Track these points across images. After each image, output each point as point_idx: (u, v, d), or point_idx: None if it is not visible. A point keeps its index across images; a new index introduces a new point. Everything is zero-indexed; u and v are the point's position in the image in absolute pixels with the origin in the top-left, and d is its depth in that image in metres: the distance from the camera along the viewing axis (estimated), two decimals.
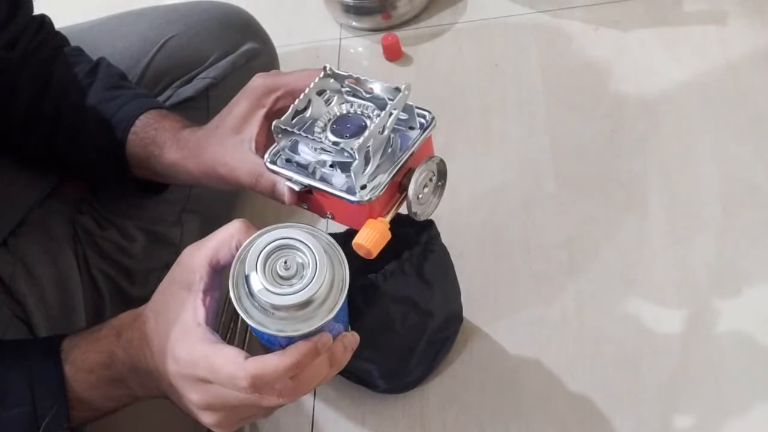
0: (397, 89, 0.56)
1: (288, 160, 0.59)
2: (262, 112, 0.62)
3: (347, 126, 0.57)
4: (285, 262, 0.49)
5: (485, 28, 1.09)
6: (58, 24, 0.80)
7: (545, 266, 0.84)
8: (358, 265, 0.73)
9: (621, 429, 0.72)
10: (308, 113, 0.59)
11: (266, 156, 0.59)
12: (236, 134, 0.62)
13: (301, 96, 0.58)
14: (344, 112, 0.58)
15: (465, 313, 0.79)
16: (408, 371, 0.74)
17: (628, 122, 0.93)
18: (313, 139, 0.56)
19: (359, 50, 1.12)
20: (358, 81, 0.59)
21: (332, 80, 0.59)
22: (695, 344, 0.75)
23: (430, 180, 0.59)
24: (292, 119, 0.58)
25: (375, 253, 0.56)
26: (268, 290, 0.48)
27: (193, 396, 0.52)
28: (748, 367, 0.73)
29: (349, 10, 1.12)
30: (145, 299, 0.79)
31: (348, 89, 0.60)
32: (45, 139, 0.73)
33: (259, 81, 0.63)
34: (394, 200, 0.59)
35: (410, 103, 0.57)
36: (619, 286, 0.81)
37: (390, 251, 0.68)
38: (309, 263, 0.49)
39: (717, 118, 0.91)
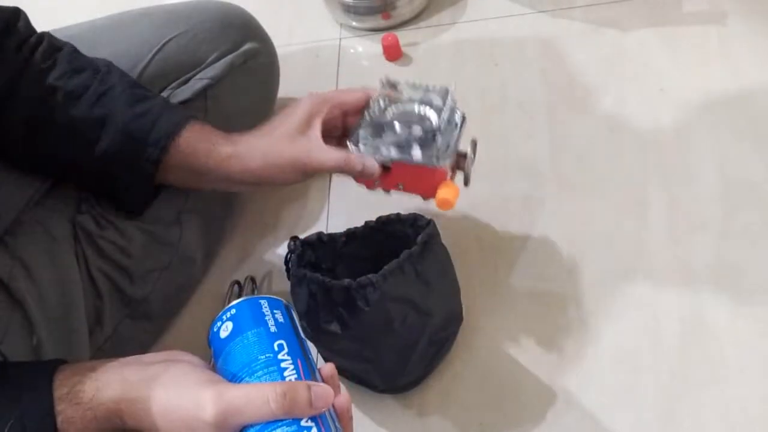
0: (446, 89, 0.76)
1: (367, 145, 0.74)
2: (321, 117, 0.74)
3: (409, 120, 0.74)
4: None
5: (485, 28, 1.09)
6: (59, 24, 0.81)
7: (545, 266, 0.84)
8: (358, 265, 0.73)
9: (620, 429, 0.72)
10: (376, 113, 0.76)
11: (352, 143, 0.74)
12: (302, 135, 0.73)
13: (373, 100, 0.76)
14: (404, 109, 0.76)
15: (465, 313, 0.79)
16: (408, 371, 0.74)
17: (627, 122, 0.93)
18: (400, 130, 0.74)
19: (359, 50, 1.12)
20: (410, 84, 0.78)
21: (388, 84, 0.78)
22: (695, 344, 0.75)
23: (472, 157, 0.77)
24: (370, 118, 0.76)
25: (455, 204, 0.73)
26: None
27: None
28: (748, 367, 0.73)
29: (349, 10, 1.12)
30: (144, 299, 0.80)
31: (398, 89, 0.77)
32: (47, 150, 0.74)
33: (313, 98, 0.75)
34: (453, 168, 0.76)
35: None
36: (619, 286, 0.80)
37: (389, 251, 0.69)
38: None
39: (717, 118, 0.91)
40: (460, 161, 0.76)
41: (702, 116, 0.92)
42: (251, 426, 0.50)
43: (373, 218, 0.78)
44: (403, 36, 1.09)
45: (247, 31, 0.91)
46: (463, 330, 0.80)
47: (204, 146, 0.73)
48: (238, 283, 0.87)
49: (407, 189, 0.76)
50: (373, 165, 0.73)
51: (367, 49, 1.12)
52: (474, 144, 0.78)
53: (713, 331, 0.76)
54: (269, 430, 0.50)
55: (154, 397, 0.52)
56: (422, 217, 0.73)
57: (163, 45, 0.84)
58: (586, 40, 1.03)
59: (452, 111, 0.76)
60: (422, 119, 0.74)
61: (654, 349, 0.76)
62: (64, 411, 0.54)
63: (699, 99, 0.93)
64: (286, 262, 0.73)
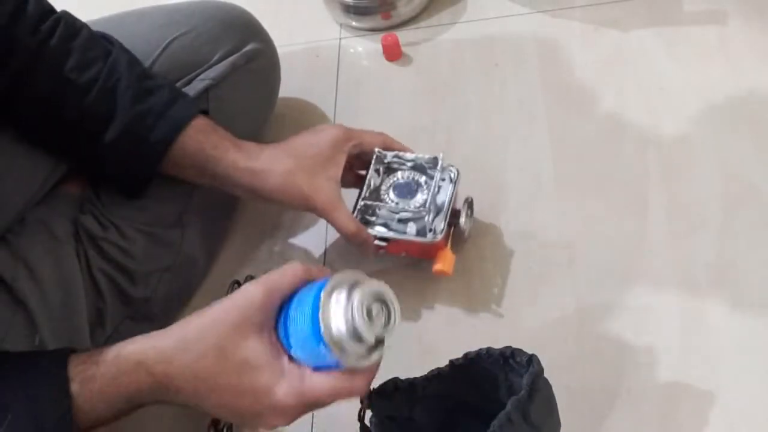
0: (435, 157, 0.80)
1: (366, 222, 0.80)
2: (344, 157, 0.78)
3: (404, 189, 0.80)
4: (377, 311, 0.56)
5: (485, 28, 1.09)
6: None
7: (545, 266, 0.84)
8: (438, 405, 0.68)
9: (620, 429, 0.72)
10: (372, 186, 0.81)
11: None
12: (324, 173, 0.76)
13: (368, 178, 0.81)
14: (397, 179, 0.81)
15: (464, 312, 0.79)
16: None
17: (628, 122, 0.93)
18: (391, 208, 0.79)
19: (359, 50, 1.12)
20: (399, 156, 0.82)
21: (382, 157, 0.82)
22: (695, 344, 0.75)
23: (467, 214, 0.83)
24: (368, 194, 0.80)
25: (451, 272, 0.79)
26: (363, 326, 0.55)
27: (288, 417, 0.56)
28: (747, 367, 0.73)
29: (349, 10, 1.12)
30: (145, 300, 0.80)
31: (390, 162, 0.82)
32: (64, 144, 0.76)
33: (340, 131, 0.79)
34: (448, 233, 0.81)
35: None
36: (619, 286, 0.81)
37: (473, 386, 0.66)
38: (391, 310, 0.58)
39: (717, 118, 0.91)
40: (456, 218, 0.81)
41: (702, 116, 0.92)
42: (290, 299, 0.57)
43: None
44: (403, 36, 1.09)
45: (249, 31, 0.91)
46: (463, 326, 0.80)
47: (210, 152, 0.75)
48: (237, 282, 0.87)
49: (411, 255, 0.83)
50: (372, 245, 0.79)
51: (367, 49, 1.12)
52: (469, 202, 0.83)
53: (713, 330, 0.76)
54: (301, 292, 0.57)
55: (190, 326, 0.56)
56: (521, 351, 0.64)
57: (167, 45, 0.84)
58: (586, 40, 1.03)
59: (443, 176, 0.81)
60: (415, 191, 0.80)
61: (654, 348, 0.76)
62: (83, 372, 0.54)
63: (699, 99, 0.93)
64: (360, 419, 0.67)
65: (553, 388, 0.75)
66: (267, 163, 0.76)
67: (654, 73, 0.97)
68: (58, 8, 0.77)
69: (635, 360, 0.75)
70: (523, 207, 0.89)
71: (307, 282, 0.58)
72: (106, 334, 0.78)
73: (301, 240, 0.93)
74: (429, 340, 0.81)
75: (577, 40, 1.03)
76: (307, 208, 0.77)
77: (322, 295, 0.55)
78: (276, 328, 0.57)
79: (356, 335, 0.54)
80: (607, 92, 0.97)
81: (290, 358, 0.57)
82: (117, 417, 0.56)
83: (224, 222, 0.94)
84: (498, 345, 0.69)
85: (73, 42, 0.74)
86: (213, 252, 0.92)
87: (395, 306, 0.58)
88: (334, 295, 0.55)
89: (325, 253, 0.91)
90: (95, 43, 0.76)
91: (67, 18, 0.76)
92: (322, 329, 0.54)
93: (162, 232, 0.81)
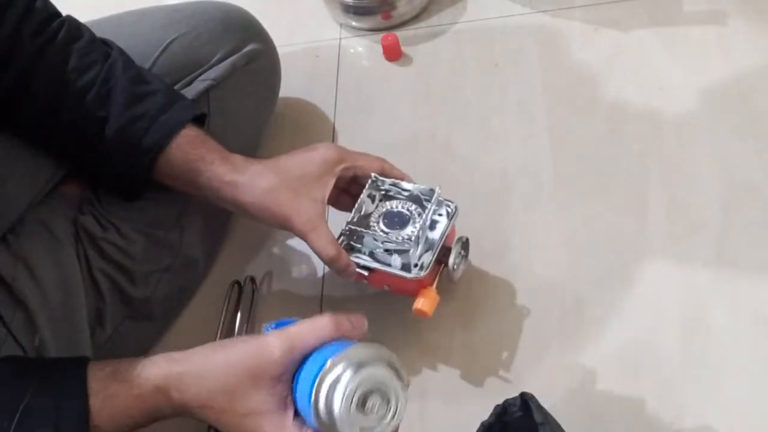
0: (432, 189, 0.75)
1: (351, 248, 0.76)
2: (333, 179, 0.75)
3: (395, 219, 0.75)
4: (373, 404, 0.54)
5: (485, 28, 1.09)
6: None
7: (545, 266, 0.84)
8: None
9: (621, 429, 0.72)
10: (362, 211, 0.77)
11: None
12: (309, 191, 0.74)
13: (359, 202, 0.76)
14: (389, 208, 0.76)
15: (464, 312, 0.79)
16: None
17: (628, 122, 0.94)
18: (377, 237, 0.74)
19: (359, 50, 1.12)
20: (396, 184, 0.77)
21: (378, 183, 0.77)
22: (695, 344, 0.75)
23: (460, 254, 0.77)
24: (356, 220, 0.76)
25: (431, 314, 0.74)
26: (352, 419, 0.53)
27: None
28: (748, 367, 0.73)
29: (349, 10, 1.12)
30: (145, 300, 0.80)
31: (386, 190, 0.77)
32: (61, 146, 0.76)
33: (333, 152, 0.76)
34: (436, 271, 0.76)
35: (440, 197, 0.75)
36: (619, 286, 0.81)
37: None
38: (392, 406, 0.55)
39: (717, 118, 0.91)
40: (446, 257, 0.75)
41: (702, 116, 0.92)
42: (309, 355, 0.57)
43: None
44: (403, 36, 1.09)
45: (249, 32, 0.91)
46: (460, 327, 0.80)
47: (196, 163, 0.74)
48: (238, 283, 0.88)
49: (394, 291, 0.78)
50: (353, 273, 0.75)
51: (367, 49, 1.12)
52: (463, 242, 0.78)
53: (713, 330, 0.76)
54: (323, 349, 0.57)
55: (209, 359, 0.58)
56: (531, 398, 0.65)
57: (167, 45, 0.84)
58: (586, 40, 1.03)
59: (440, 211, 0.76)
60: (406, 222, 0.75)
61: (654, 349, 0.76)
62: (105, 389, 0.57)
63: (699, 99, 0.93)
64: None
65: (554, 389, 0.75)
66: (250, 178, 0.74)
67: (654, 73, 0.97)
68: (61, 7, 0.77)
69: (635, 360, 0.75)
70: (523, 207, 0.89)
71: (334, 338, 0.58)
72: (106, 334, 0.78)
73: (300, 241, 0.93)
74: (426, 340, 0.81)
75: (577, 41, 1.03)
76: (285, 227, 0.74)
77: (323, 368, 0.54)
78: (294, 379, 0.58)
79: (344, 422, 0.53)
80: (607, 92, 0.97)
81: (297, 413, 0.58)
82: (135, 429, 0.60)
83: (224, 223, 0.94)
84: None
85: (74, 44, 0.74)
86: (213, 252, 0.92)
87: (399, 402, 0.55)
88: (333, 372, 0.54)
89: None
90: (95, 47, 0.75)
91: (71, 21, 0.76)
92: (313, 404, 0.54)
93: (162, 233, 0.81)
